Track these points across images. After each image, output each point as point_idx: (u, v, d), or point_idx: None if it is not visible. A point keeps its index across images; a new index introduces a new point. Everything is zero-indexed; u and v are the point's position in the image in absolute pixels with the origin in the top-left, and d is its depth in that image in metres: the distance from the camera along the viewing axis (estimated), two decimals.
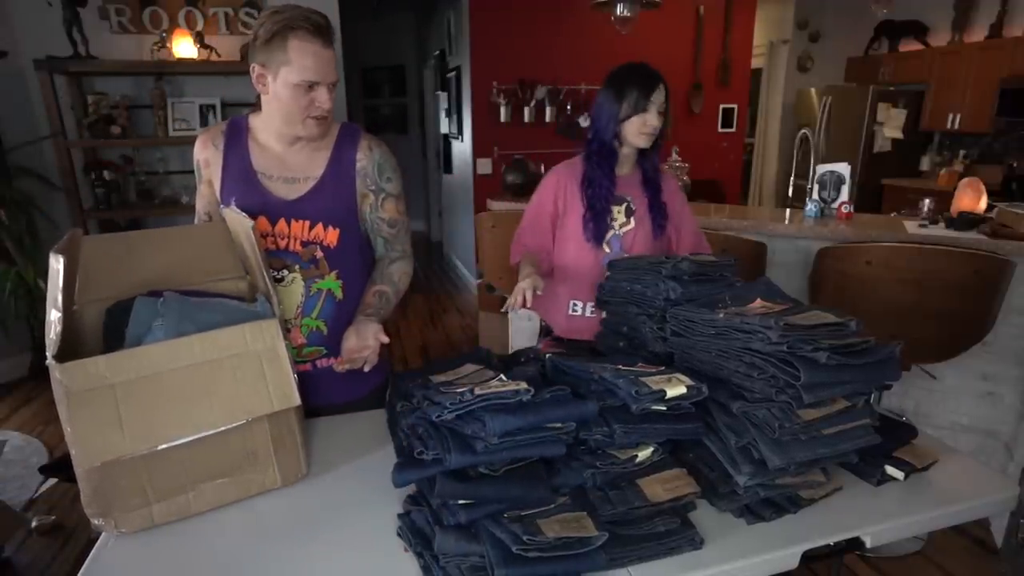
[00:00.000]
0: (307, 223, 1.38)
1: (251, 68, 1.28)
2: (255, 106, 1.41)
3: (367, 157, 1.42)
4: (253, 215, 1.36)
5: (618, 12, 3.58)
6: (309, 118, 1.29)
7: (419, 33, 7.38)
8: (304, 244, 1.38)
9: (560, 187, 1.74)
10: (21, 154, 3.38)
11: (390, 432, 1.27)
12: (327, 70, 1.26)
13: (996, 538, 2.18)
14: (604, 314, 1.58)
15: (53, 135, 3.34)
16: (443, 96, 6.29)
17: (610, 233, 1.72)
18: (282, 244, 1.38)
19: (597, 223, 1.70)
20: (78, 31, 3.36)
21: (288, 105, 1.27)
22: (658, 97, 1.64)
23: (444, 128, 6.45)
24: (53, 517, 2.30)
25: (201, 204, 1.45)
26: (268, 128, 1.37)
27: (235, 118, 1.42)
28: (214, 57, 3.66)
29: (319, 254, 1.39)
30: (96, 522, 0.98)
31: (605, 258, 1.69)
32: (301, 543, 0.98)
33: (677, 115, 5.41)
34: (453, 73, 5.57)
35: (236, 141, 1.39)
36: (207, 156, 1.40)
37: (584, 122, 5.21)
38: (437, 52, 6.24)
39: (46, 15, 3.41)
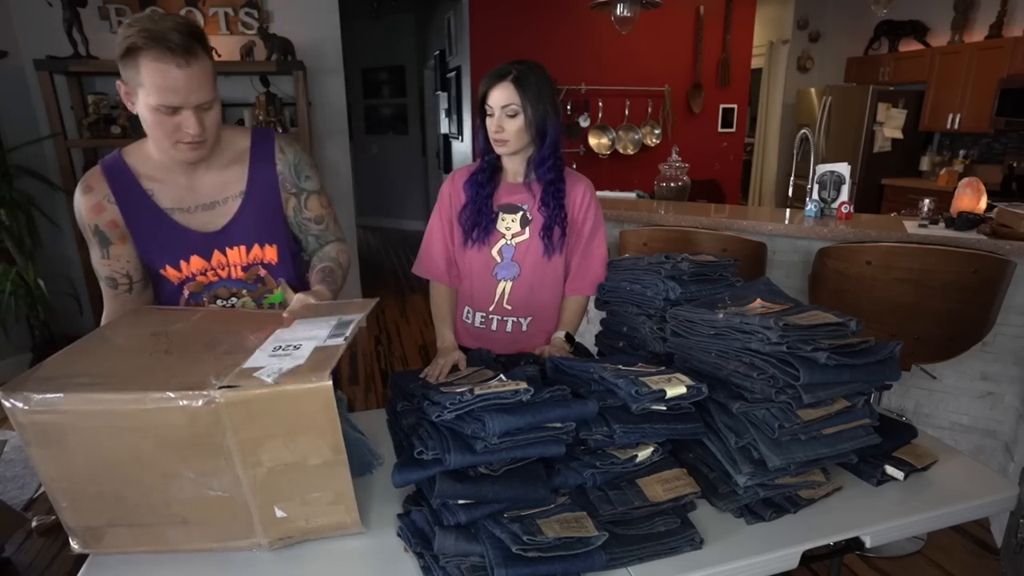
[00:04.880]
0: (243, 248, 1.31)
1: (118, 85, 1.15)
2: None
3: (282, 161, 1.33)
4: (185, 256, 1.28)
5: (618, 12, 3.58)
6: (179, 143, 1.16)
7: (419, 33, 7.38)
8: (245, 268, 1.34)
9: (455, 189, 1.59)
10: (21, 154, 3.38)
11: (390, 432, 1.27)
12: (185, 92, 1.10)
13: (996, 538, 2.18)
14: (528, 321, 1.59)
15: (53, 135, 3.34)
16: (443, 96, 6.29)
17: (501, 242, 1.55)
18: (223, 274, 1.32)
19: (471, 224, 1.54)
20: (78, 31, 3.35)
21: (153, 129, 1.14)
22: (498, 96, 1.43)
23: (444, 128, 6.46)
24: (53, 517, 2.29)
25: (117, 266, 1.27)
26: (159, 157, 1.23)
27: (104, 165, 1.26)
28: (214, 57, 3.65)
29: (262, 272, 1.35)
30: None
31: (496, 268, 1.56)
32: (300, 542, 0.98)
33: (677, 115, 5.42)
34: (453, 73, 5.57)
35: (125, 189, 1.24)
36: (110, 218, 1.24)
37: (584, 122, 5.21)
38: (437, 52, 6.24)
39: (46, 15, 3.40)
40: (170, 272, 1.30)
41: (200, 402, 0.85)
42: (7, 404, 0.86)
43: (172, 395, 0.85)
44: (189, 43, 1.09)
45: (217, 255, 1.30)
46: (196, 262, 1.29)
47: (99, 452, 0.89)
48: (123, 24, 1.12)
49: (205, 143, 1.19)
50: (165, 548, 0.95)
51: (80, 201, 1.25)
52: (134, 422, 0.87)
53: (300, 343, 0.97)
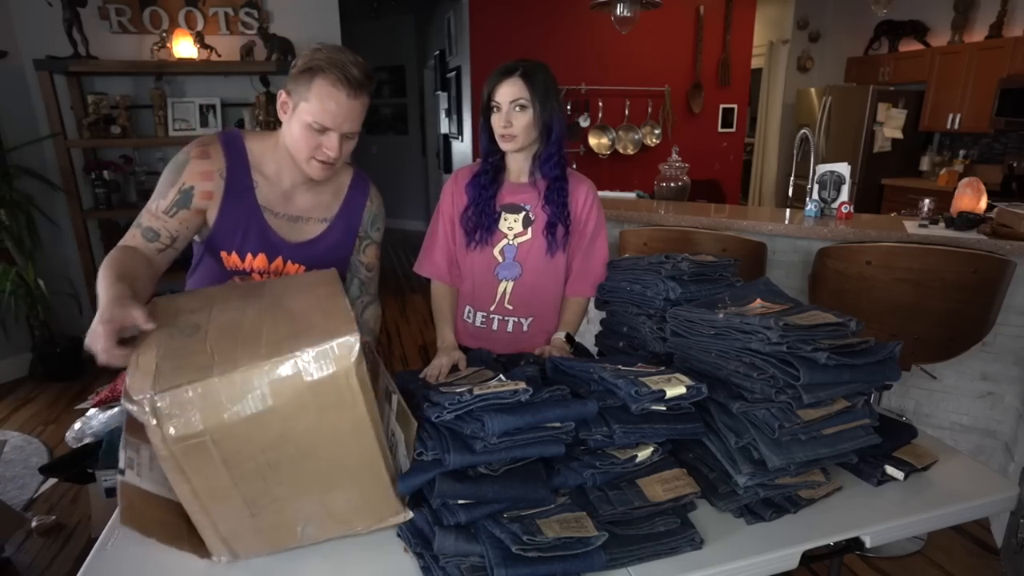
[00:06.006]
0: (302, 268, 1.39)
1: (279, 93, 1.27)
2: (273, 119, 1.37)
3: (368, 209, 1.47)
4: (253, 251, 1.35)
5: (618, 12, 3.58)
6: (313, 159, 1.26)
7: (419, 33, 7.38)
8: None
9: (457, 189, 1.59)
10: (21, 154, 3.38)
11: None
12: (343, 119, 1.22)
13: (996, 538, 2.18)
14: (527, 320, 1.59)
15: (53, 135, 3.34)
16: (443, 96, 6.29)
17: (503, 242, 1.56)
18: None
19: (473, 224, 1.54)
20: (78, 31, 3.36)
21: (297, 140, 1.25)
22: (506, 91, 1.44)
23: (444, 128, 6.46)
24: (53, 517, 2.30)
25: (173, 226, 1.26)
26: (278, 159, 1.32)
27: (229, 137, 1.32)
28: (214, 57, 3.66)
29: None
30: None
31: (498, 268, 1.57)
32: (298, 547, 0.98)
33: (677, 115, 5.42)
34: (453, 73, 5.57)
35: (238, 171, 1.31)
36: (209, 188, 1.28)
37: (584, 122, 5.21)
38: (437, 52, 6.24)
39: (46, 15, 3.41)
40: (232, 259, 1.35)
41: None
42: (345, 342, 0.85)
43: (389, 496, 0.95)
44: (363, 81, 1.22)
45: (279, 261, 1.37)
46: (260, 260, 1.36)
47: (315, 433, 0.88)
48: (311, 48, 1.23)
49: (333, 166, 1.29)
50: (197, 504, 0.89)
51: (194, 162, 1.28)
52: (357, 459, 0.92)
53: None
